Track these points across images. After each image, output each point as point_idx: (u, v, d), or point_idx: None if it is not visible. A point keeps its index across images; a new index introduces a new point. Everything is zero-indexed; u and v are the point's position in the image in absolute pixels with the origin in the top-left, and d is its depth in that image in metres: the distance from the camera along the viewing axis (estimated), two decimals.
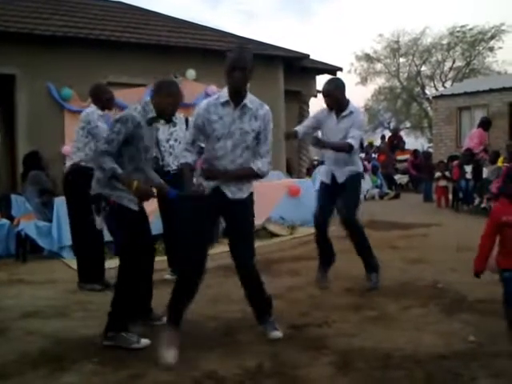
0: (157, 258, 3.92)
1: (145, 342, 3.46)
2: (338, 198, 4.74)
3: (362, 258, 4.78)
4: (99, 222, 3.61)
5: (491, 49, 28.79)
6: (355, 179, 4.75)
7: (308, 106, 13.83)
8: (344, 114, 4.60)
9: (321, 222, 4.81)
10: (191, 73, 10.03)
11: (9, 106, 9.84)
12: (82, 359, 3.21)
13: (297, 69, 12.40)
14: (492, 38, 28.22)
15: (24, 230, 6.58)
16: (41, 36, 9.22)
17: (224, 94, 3.33)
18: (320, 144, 4.59)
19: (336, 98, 4.59)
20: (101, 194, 3.51)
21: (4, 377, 3.02)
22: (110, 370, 3.06)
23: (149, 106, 3.55)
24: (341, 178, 4.71)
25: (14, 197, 7.20)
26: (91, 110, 4.91)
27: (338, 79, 4.91)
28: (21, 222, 6.74)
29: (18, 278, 5.60)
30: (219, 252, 6.75)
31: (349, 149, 4.52)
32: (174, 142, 5.37)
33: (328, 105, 4.68)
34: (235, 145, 3.32)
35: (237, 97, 3.31)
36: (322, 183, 4.89)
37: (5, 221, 6.89)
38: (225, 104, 3.32)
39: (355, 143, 4.54)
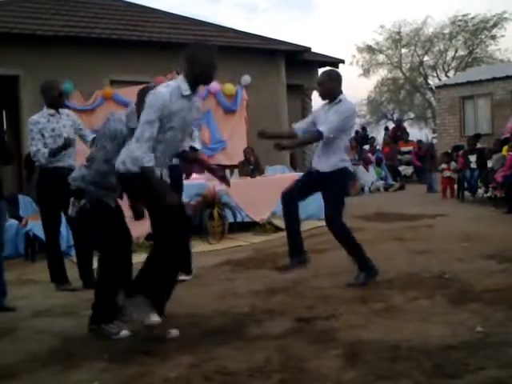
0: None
1: (124, 333, 3.57)
2: (317, 186, 4.58)
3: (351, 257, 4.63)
4: (73, 212, 3.74)
5: (493, 37, 28.65)
6: (338, 176, 4.49)
7: (310, 99, 13.82)
8: (333, 103, 4.53)
9: (287, 199, 4.62)
10: None
11: (14, 107, 9.89)
12: (91, 356, 3.23)
13: (298, 62, 12.38)
14: (494, 26, 28.09)
15: (32, 230, 6.61)
16: (43, 36, 9.26)
17: (185, 86, 3.37)
18: (290, 146, 4.62)
19: (327, 88, 4.52)
20: (84, 189, 3.64)
21: (15, 376, 3.05)
22: (120, 366, 3.08)
23: (132, 117, 3.63)
24: (323, 168, 4.50)
25: (21, 197, 7.25)
26: (41, 113, 4.97)
27: (333, 70, 4.89)
28: (29, 222, 6.78)
29: (28, 277, 5.64)
30: (226, 247, 6.81)
31: (318, 136, 4.38)
32: None
33: (320, 94, 4.64)
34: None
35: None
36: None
37: (13, 221, 6.92)
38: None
39: (325, 129, 4.34)
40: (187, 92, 3.35)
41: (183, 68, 3.41)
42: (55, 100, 4.98)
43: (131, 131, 3.62)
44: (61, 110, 5.06)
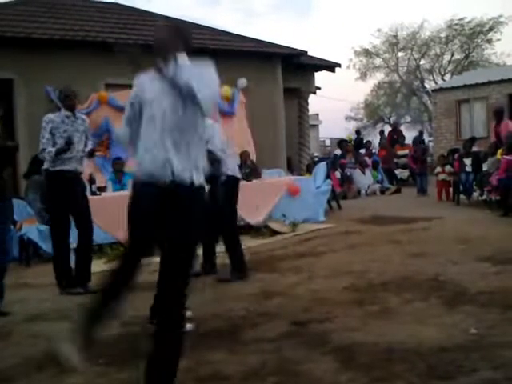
0: None
1: (189, 326, 3.43)
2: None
3: None
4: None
5: (489, 41, 28.74)
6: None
7: (307, 102, 13.84)
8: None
9: None
10: None
11: (8, 111, 9.87)
12: (86, 361, 3.22)
13: (295, 66, 12.40)
14: (490, 29, 28.16)
15: (27, 234, 6.60)
16: (38, 40, 9.26)
17: None
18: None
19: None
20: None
21: (9, 380, 3.04)
22: (115, 370, 3.07)
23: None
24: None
25: (15, 201, 7.20)
26: (58, 113, 5.06)
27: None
28: (23, 226, 6.76)
29: (22, 281, 5.62)
30: (222, 251, 6.79)
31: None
32: None
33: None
34: None
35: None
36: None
37: None
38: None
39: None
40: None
41: None
42: (63, 102, 5.07)
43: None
44: (77, 114, 5.13)
